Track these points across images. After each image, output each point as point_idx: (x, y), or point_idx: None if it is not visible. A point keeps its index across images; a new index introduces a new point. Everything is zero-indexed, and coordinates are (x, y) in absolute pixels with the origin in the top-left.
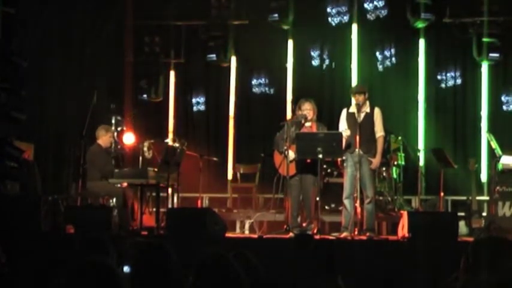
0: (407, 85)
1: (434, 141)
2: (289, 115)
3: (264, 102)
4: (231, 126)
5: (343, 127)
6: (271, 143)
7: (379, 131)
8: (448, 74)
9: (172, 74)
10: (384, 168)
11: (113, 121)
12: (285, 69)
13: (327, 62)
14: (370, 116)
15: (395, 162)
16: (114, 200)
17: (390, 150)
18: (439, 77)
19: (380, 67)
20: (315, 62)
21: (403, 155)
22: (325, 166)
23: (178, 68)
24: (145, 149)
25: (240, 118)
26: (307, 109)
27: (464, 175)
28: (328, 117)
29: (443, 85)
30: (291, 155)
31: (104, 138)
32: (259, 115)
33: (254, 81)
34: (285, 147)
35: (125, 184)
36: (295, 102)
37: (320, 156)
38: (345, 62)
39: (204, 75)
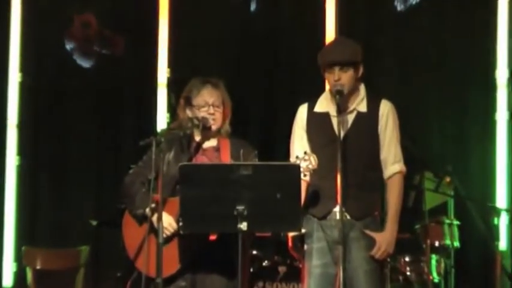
0: (466, 52)
1: None
2: (164, 120)
3: (105, 86)
4: (13, 142)
5: (299, 149)
6: (116, 189)
7: (393, 161)
8: None
9: None
10: (406, 259)
11: None
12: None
13: None
14: (369, 122)
15: (440, 243)
16: None
17: (425, 210)
18: None
19: (398, 3)
20: None
21: (456, 223)
22: (255, 252)
23: None
24: None
25: (32, 122)
26: (209, 104)
27: None
28: (263, 125)
29: None
30: (168, 224)
31: None
32: (88, 118)
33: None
34: (153, 204)
35: None
36: (179, 88)
37: (243, 227)
38: None
39: None
